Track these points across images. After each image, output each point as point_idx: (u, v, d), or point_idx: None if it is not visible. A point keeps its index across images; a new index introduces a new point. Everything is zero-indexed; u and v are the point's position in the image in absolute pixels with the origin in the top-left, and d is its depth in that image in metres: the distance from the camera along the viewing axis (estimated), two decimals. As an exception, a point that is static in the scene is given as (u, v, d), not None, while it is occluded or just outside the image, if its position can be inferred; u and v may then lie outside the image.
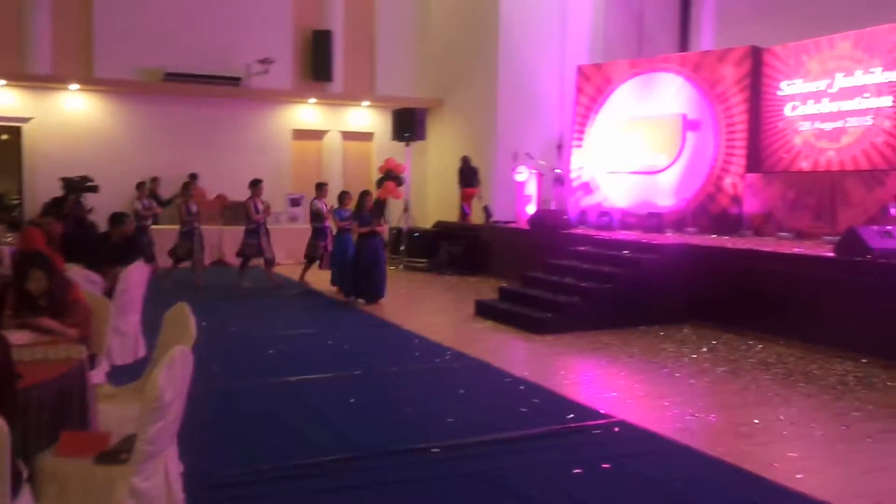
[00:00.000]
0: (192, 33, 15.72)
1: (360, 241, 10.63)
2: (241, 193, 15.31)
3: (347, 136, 17.94)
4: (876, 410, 5.74)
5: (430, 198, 18.20)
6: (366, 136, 18.17)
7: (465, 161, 15.53)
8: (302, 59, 17.08)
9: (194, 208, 11.80)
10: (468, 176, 15.46)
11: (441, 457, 4.68)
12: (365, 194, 10.89)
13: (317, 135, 17.70)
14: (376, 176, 16.07)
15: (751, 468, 4.52)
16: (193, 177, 14.93)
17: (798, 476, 4.39)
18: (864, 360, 7.22)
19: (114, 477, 3.06)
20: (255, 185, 11.65)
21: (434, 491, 4.21)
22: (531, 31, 15.90)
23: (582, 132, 15.01)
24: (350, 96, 17.62)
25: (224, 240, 14.48)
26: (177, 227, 12.16)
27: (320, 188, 12.16)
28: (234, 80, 16.10)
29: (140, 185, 13.19)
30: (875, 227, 7.86)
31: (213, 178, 15.27)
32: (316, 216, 11.91)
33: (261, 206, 11.58)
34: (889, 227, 7.85)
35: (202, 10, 15.88)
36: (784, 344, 8.01)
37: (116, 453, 3.21)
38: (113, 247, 7.50)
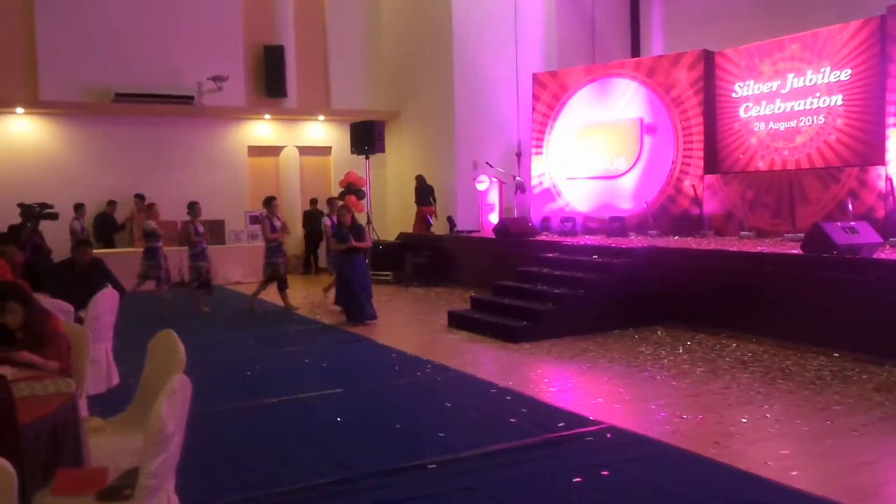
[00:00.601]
0: (141, 52, 15.40)
1: (342, 258, 10.32)
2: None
3: (304, 150, 17.77)
4: (856, 404, 5.84)
5: (391, 210, 18.14)
6: (324, 151, 18.04)
7: (420, 180, 15.49)
8: (254, 75, 16.87)
9: (201, 228, 11.50)
10: (424, 195, 15.43)
11: (438, 472, 4.62)
12: (341, 209, 10.62)
13: (273, 151, 17.51)
14: (337, 190, 15.96)
15: (746, 468, 4.56)
16: (140, 197, 14.62)
17: (793, 473, 4.44)
18: (836, 355, 7.37)
19: (118, 514, 2.95)
20: (270, 202, 11.29)
21: (437, 508, 4.16)
22: (484, 40, 15.97)
23: (541, 139, 15.12)
24: (305, 111, 17.46)
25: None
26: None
27: (331, 204, 11.92)
28: (187, 99, 15.82)
29: (150, 207, 12.46)
30: (839, 224, 8.04)
31: (169, 199, 14.91)
32: (324, 233, 11.85)
33: (277, 224, 11.31)
34: (852, 223, 8.05)
35: (151, 28, 15.55)
36: (756, 341, 8.14)
37: (119, 489, 3.10)
38: (79, 274, 7.26)
